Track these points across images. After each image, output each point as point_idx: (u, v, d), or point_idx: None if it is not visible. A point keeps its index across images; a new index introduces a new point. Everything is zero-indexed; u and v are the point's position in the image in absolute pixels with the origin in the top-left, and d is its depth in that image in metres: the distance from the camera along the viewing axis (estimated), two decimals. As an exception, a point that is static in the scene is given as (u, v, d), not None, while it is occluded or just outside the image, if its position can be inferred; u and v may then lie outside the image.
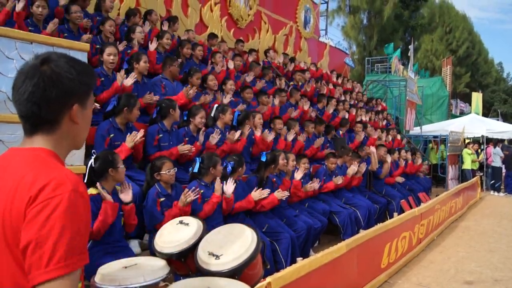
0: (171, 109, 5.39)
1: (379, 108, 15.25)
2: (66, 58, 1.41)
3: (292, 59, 12.67)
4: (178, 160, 5.45)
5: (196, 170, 4.89)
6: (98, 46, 6.15)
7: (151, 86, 6.14)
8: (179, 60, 6.91)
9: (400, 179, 9.66)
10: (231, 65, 8.67)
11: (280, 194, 5.50)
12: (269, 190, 5.38)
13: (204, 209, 4.56)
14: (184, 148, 5.29)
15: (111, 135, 4.72)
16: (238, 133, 6.10)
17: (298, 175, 6.23)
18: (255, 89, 8.66)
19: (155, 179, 4.42)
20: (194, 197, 4.33)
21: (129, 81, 5.39)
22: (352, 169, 7.69)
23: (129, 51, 6.58)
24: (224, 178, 4.97)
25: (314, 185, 6.60)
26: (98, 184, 3.74)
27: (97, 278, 2.01)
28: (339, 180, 7.25)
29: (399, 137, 13.07)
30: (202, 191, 4.73)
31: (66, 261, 1.18)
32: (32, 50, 3.08)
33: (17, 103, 1.37)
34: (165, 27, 8.12)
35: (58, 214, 1.20)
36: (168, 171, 4.38)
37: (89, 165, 3.87)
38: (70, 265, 1.19)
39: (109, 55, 5.55)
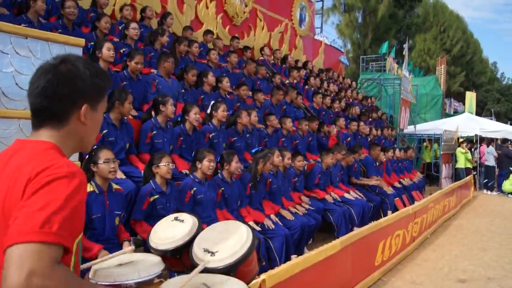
0: (161, 105, 5.35)
1: (376, 110, 15.29)
2: (83, 60, 1.48)
3: (286, 57, 12.67)
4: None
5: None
6: (91, 43, 6.11)
7: (144, 83, 6.12)
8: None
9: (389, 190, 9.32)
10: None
11: (268, 222, 5.56)
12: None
13: None
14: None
15: (104, 131, 4.67)
16: None
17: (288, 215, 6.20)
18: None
19: (153, 173, 4.41)
20: None
21: None
22: (350, 195, 7.74)
23: (124, 49, 6.55)
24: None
25: (301, 209, 6.54)
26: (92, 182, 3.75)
27: (91, 274, 2.00)
28: (330, 199, 7.24)
29: (393, 135, 13.12)
30: (194, 188, 4.74)
31: (42, 229, 1.15)
32: (27, 45, 3.06)
33: (30, 96, 1.42)
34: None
35: (48, 188, 1.22)
36: (167, 164, 4.38)
37: (84, 161, 3.87)
38: (44, 234, 1.15)
39: (109, 49, 5.48)
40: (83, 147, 1.55)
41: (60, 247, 1.19)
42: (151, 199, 4.29)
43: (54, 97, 1.38)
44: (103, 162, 3.76)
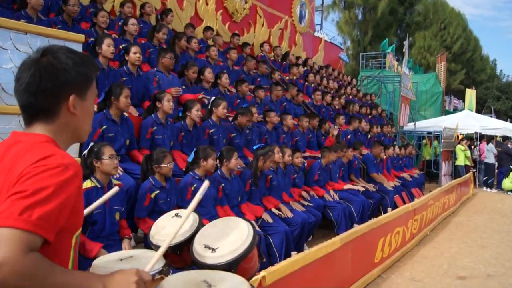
0: (157, 102, 5.35)
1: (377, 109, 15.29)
2: (65, 50, 1.43)
3: (287, 54, 12.66)
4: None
5: (190, 160, 4.93)
6: (91, 38, 6.09)
7: (145, 79, 6.11)
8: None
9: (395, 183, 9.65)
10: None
11: (267, 217, 5.56)
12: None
13: None
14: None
15: (104, 127, 4.65)
16: None
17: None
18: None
19: (153, 171, 4.40)
20: None
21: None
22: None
23: (123, 44, 6.54)
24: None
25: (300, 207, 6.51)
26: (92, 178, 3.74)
27: (92, 270, 1.99)
28: (329, 198, 7.24)
29: (392, 132, 13.13)
30: (195, 185, 4.72)
31: (21, 216, 1.14)
32: (27, 41, 3.05)
33: (16, 93, 1.40)
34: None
35: (38, 177, 1.20)
36: (169, 164, 4.37)
37: (82, 157, 3.86)
38: (22, 221, 1.14)
39: (109, 45, 5.47)
40: (78, 137, 1.52)
41: (37, 236, 1.17)
42: (152, 195, 4.29)
43: (39, 92, 1.35)
44: (108, 157, 3.77)
